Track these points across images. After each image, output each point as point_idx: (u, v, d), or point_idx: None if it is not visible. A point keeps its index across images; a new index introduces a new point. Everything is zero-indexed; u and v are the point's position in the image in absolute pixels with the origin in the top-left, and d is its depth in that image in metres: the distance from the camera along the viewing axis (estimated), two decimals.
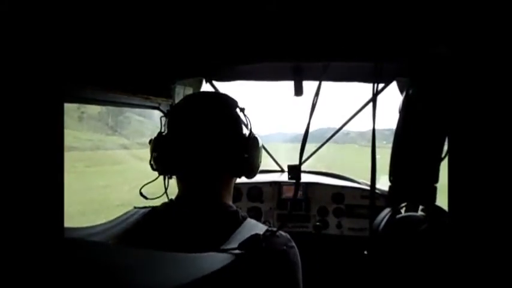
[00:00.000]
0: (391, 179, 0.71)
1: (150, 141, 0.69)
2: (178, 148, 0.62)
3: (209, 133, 0.61)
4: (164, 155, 0.64)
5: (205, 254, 0.46)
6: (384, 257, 0.67)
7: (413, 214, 0.71)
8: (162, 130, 0.67)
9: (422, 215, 0.69)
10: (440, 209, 0.66)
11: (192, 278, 0.39)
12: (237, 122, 0.65)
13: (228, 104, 0.67)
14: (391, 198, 0.71)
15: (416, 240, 0.63)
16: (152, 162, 0.67)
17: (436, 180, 0.67)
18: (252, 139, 0.66)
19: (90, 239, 0.50)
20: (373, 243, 0.71)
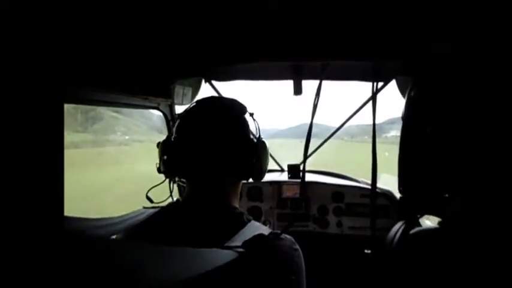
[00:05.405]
0: (401, 189, 0.69)
1: (158, 145, 0.70)
2: (188, 152, 0.64)
3: (218, 138, 0.63)
4: (174, 157, 0.66)
5: (210, 249, 0.46)
6: (398, 272, 0.65)
7: (427, 228, 0.69)
8: (172, 133, 0.68)
9: (437, 228, 0.68)
10: (454, 219, 0.65)
11: (196, 272, 0.39)
12: (245, 127, 0.66)
13: (237, 109, 0.68)
14: (402, 211, 0.70)
15: (433, 256, 0.61)
16: (160, 165, 0.69)
17: (448, 190, 0.65)
18: (260, 144, 0.67)
19: (94, 231, 0.50)
20: (388, 259, 0.69)
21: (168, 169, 0.68)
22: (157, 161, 0.70)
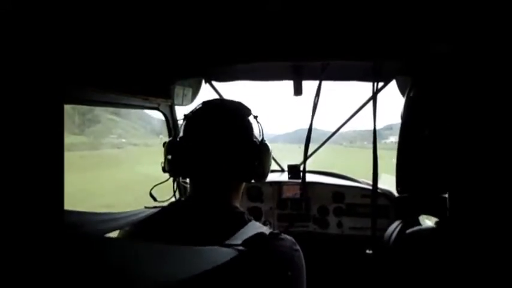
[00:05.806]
0: (399, 189, 0.69)
1: (164, 144, 0.72)
2: (192, 152, 0.65)
3: (222, 140, 0.64)
4: (178, 157, 0.68)
5: (209, 247, 0.46)
6: (394, 272, 0.66)
7: (424, 228, 0.69)
8: (177, 133, 0.70)
9: (434, 228, 0.68)
10: (451, 219, 0.64)
11: (195, 271, 0.39)
12: (249, 130, 0.68)
13: (241, 111, 0.70)
14: (400, 210, 0.70)
15: (429, 255, 0.62)
16: (165, 164, 0.70)
17: (445, 190, 0.65)
18: (263, 146, 0.69)
19: (94, 226, 0.50)
20: (384, 258, 0.69)
21: (172, 168, 0.69)
22: (159, 162, 0.71)
